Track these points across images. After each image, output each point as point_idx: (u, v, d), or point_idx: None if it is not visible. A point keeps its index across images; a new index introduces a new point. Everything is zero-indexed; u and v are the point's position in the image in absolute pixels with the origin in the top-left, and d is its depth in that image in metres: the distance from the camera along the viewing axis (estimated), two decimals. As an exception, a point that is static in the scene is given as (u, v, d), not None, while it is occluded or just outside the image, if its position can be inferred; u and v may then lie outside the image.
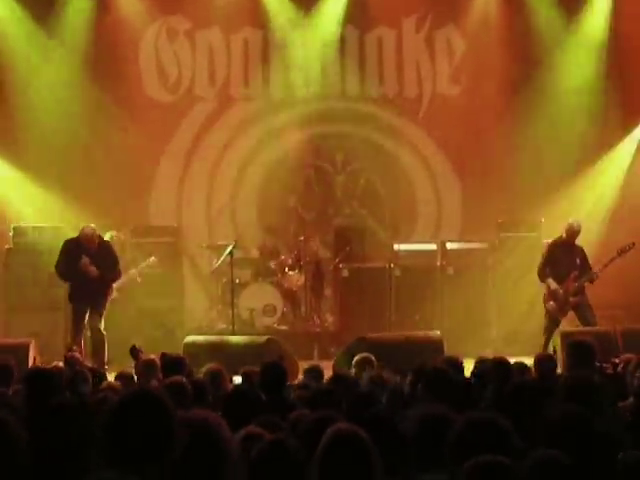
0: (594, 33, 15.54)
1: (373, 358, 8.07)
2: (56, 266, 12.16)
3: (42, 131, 14.95)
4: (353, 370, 7.93)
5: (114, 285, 12.30)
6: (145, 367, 7.99)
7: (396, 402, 6.09)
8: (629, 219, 14.76)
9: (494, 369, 7.12)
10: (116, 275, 12.28)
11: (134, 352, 8.50)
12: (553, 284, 12.33)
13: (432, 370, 6.16)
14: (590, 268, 12.40)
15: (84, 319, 11.89)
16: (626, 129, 15.51)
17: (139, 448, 3.36)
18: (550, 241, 12.79)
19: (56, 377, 6.47)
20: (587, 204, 14.94)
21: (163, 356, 7.88)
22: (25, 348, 11.04)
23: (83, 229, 12.10)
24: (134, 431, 3.38)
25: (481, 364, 7.55)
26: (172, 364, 7.58)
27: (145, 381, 7.60)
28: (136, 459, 3.35)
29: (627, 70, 15.50)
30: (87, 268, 11.85)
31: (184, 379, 6.38)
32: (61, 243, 12.29)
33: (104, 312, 11.99)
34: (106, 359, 11.76)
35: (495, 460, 3.67)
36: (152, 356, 8.30)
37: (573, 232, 12.44)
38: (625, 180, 15.38)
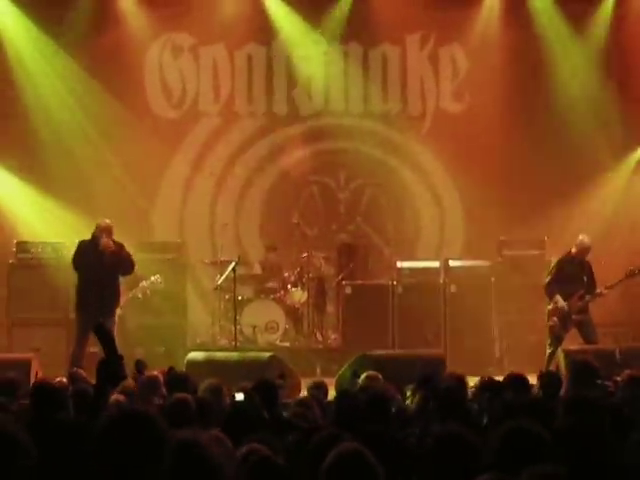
0: (599, 51, 15.56)
1: (380, 376, 8.06)
2: (72, 260, 11.84)
3: (45, 147, 14.98)
4: (358, 387, 7.91)
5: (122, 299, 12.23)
6: (147, 383, 7.98)
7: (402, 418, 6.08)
8: (631, 235, 14.77)
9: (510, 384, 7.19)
10: (131, 266, 11.94)
11: (139, 366, 8.48)
12: (560, 301, 12.29)
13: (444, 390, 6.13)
14: (595, 286, 12.38)
15: (88, 333, 11.69)
16: (628, 145, 15.53)
17: (127, 468, 3.31)
18: (559, 257, 12.74)
19: (61, 393, 6.43)
20: (591, 221, 14.90)
21: (169, 372, 7.86)
22: (27, 363, 11.01)
23: (99, 223, 11.80)
24: (121, 452, 3.33)
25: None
26: (178, 381, 7.56)
27: (146, 397, 7.58)
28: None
29: (630, 88, 15.52)
30: (107, 244, 11.56)
31: (188, 396, 6.36)
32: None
33: (115, 323, 11.69)
34: None
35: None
36: (155, 372, 8.29)
37: (584, 248, 12.39)
38: (627, 196, 15.38)
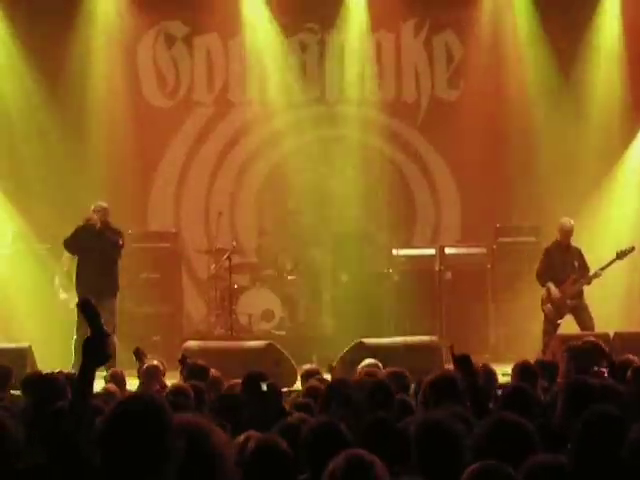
0: (599, 34, 15.41)
1: (380, 364, 8.06)
2: (64, 241, 11.97)
3: (37, 137, 14.95)
4: (357, 374, 7.89)
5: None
6: (148, 372, 8.01)
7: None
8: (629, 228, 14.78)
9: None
10: (120, 245, 12.07)
11: (138, 354, 8.50)
12: (553, 288, 12.33)
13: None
14: (588, 270, 12.42)
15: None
16: (629, 138, 15.44)
17: (134, 459, 3.29)
18: (547, 245, 12.81)
19: (57, 383, 6.41)
20: (588, 207, 14.86)
21: (183, 360, 7.86)
22: (23, 353, 11.03)
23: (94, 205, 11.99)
24: (128, 440, 3.32)
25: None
26: (196, 371, 7.56)
27: (147, 386, 7.60)
28: (132, 471, 3.29)
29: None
30: (92, 217, 11.72)
31: (185, 384, 6.38)
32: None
33: (115, 307, 11.74)
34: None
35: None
36: (155, 362, 8.32)
37: (566, 231, 12.44)
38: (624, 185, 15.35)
